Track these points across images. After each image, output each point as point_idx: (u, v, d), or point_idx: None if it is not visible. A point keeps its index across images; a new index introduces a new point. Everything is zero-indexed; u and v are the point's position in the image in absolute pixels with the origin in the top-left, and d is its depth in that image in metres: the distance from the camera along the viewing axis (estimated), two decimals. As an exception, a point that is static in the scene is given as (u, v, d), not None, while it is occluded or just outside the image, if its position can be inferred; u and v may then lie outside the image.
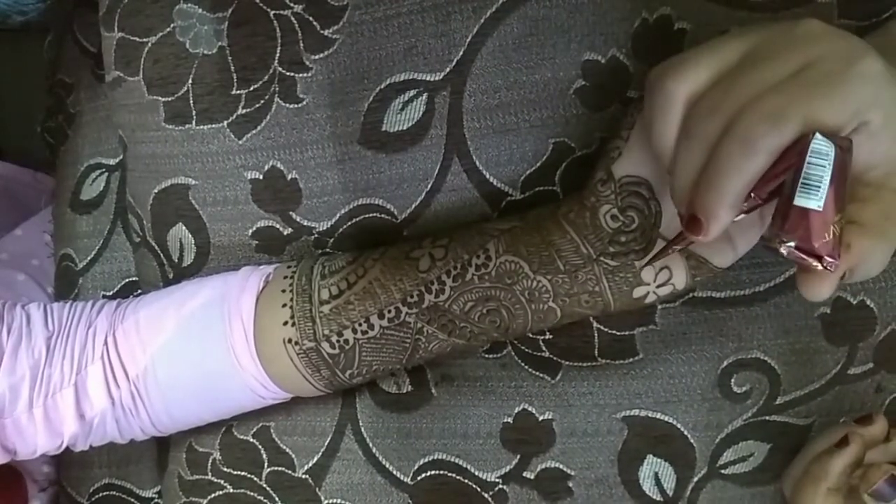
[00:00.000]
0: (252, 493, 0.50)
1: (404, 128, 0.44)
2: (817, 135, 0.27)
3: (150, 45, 0.48)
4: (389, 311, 0.40)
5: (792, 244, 0.27)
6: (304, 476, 0.49)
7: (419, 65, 0.43)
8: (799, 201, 0.27)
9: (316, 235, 0.47)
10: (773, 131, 0.27)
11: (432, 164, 0.44)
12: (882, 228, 0.29)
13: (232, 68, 0.46)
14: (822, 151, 0.27)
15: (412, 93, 0.43)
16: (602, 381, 0.45)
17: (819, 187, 0.27)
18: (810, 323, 0.42)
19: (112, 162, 0.57)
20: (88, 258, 0.57)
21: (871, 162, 0.29)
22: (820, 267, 0.28)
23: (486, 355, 0.46)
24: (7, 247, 0.66)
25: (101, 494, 0.57)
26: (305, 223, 0.46)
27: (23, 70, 0.86)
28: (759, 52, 0.29)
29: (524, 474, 0.46)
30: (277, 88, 0.45)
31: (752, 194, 0.28)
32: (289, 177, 0.46)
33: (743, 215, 0.29)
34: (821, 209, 0.27)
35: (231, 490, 0.51)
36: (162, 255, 0.51)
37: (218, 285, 0.44)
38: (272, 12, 0.45)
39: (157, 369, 0.43)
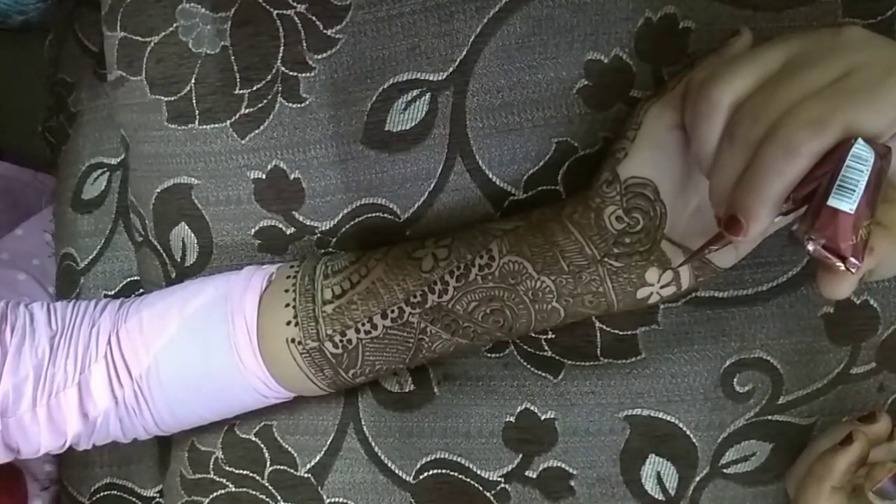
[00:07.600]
0: (254, 492, 0.50)
1: (407, 127, 0.44)
2: (860, 140, 0.27)
3: (152, 44, 0.47)
4: (392, 311, 0.40)
5: (820, 243, 0.28)
6: (306, 475, 0.49)
7: (422, 64, 0.43)
8: (832, 202, 0.27)
9: (319, 235, 0.47)
10: (815, 136, 0.27)
11: (435, 163, 0.44)
12: None
13: (235, 68, 0.46)
14: (862, 156, 0.27)
15: (415, 92, 0.43)
16: (604, 381, 0.45)
17: (854, 191, 0.27)
18: (813, 322, 0.42)
19: (113, 161, 0.57)
20: (90, 258, 0.57)
21: None
22: (843, 267, 0.28)
23: (489, 354, 0.46)
24: (7, 246, 0.66)
25: (102, 494, 0.57)
26: (308, 223, 0.46)
27: (23, 70, 0.86)
28: (802, 59, 0.30)
29: (526, 473, 0.46)
30: (280, 88, 0.45)
31: (791, 196, 0.29)
32: (291, 176, 0.46)
33: (780, 217, 0.30)
34: (852, 212, 0.27)
35: (233, 489, 0.51)
36: (164, 254, 0.51)
37: (221, 285, 0.44)
38: (275, 12, 0.45)
39: (161, 369, 0.43)
